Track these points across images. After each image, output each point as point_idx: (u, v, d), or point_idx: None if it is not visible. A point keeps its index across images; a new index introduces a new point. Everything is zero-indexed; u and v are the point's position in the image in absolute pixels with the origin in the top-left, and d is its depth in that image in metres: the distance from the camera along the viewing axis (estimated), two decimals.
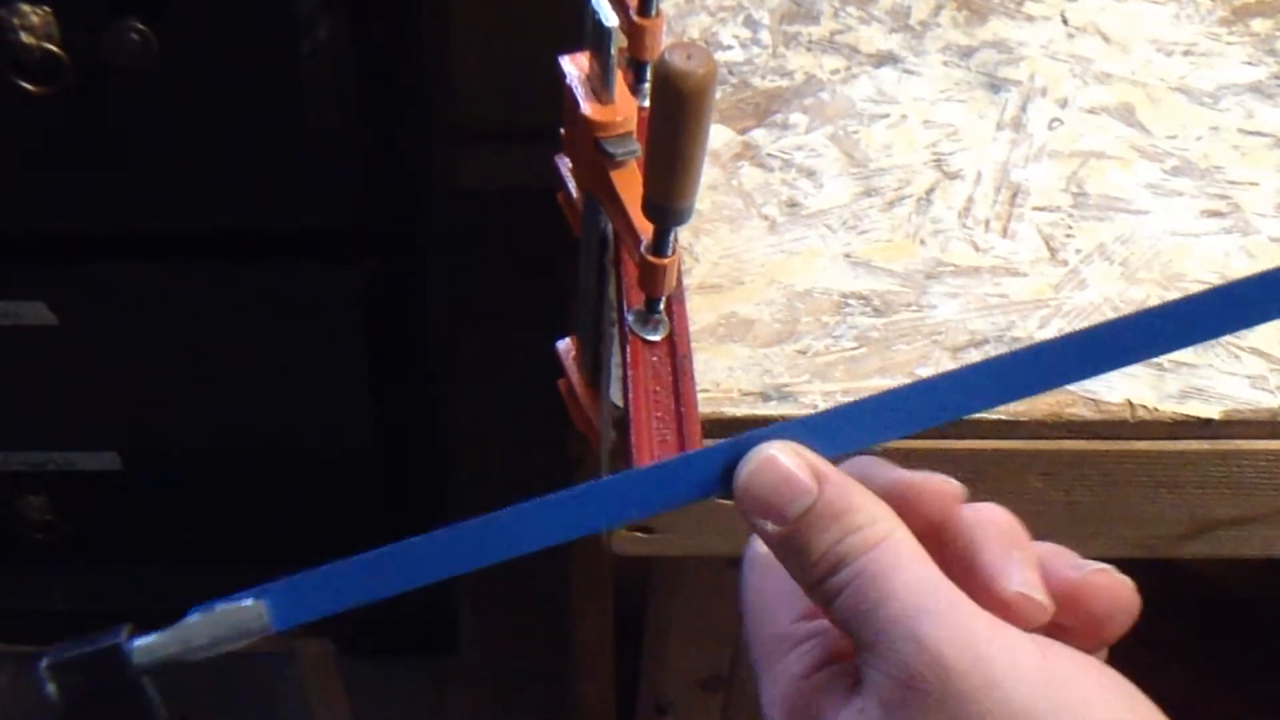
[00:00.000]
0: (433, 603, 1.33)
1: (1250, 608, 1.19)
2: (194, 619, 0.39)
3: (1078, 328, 0.63)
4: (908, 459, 0.61)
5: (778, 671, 0.43)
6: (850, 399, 0.60)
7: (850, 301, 0.63)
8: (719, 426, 0.59)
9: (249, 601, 0.39)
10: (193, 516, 1.21)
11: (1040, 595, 0.40)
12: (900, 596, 0.38)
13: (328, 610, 0.40)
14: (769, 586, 0.44)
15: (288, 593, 0.40)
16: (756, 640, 0.44)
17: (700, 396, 0.58)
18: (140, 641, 0.39)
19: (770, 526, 0.41)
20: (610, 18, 0.52)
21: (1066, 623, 0.41)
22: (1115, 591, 0.41)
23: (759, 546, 0.45)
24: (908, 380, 0.61)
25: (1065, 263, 0.65)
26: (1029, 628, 0.39)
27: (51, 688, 0.38)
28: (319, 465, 1.17)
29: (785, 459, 0.41)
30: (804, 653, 0.42)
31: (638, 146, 0.54)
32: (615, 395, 0.57)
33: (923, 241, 0.66)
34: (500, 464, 1.34)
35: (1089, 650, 0.40)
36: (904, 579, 0.39)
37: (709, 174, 0.67)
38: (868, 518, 0.41)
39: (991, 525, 0.41)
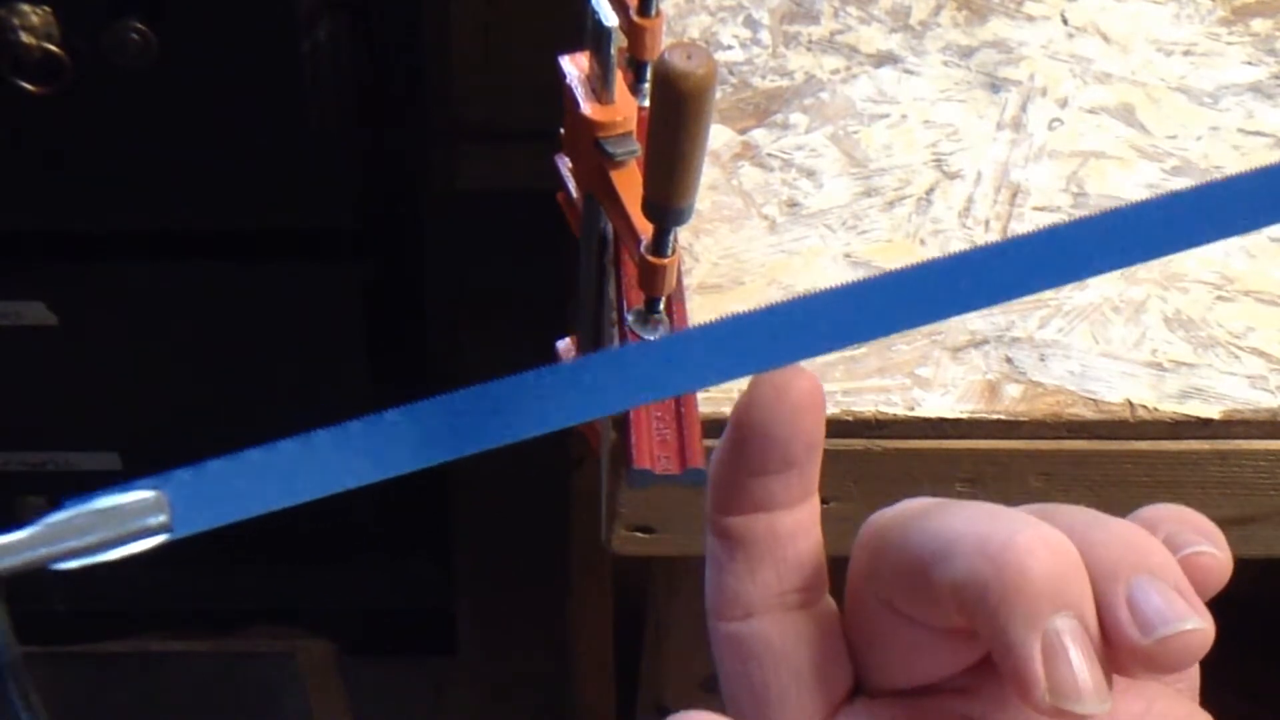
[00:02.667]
0: (433, 603, 1.33)
1: (1250, 608, 1.19)
2: (69, 512, 0.29)
3: (1078, 328, 0.63)
4: (907, 459, 0.61)
5: None
6: (851, 399, 0.60)
7: None
8: (719, 426, 0.59)
9: (146, 493, 0.29)
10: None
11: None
12: None
13: (252, 509, 0.30)
14: (783, 678, 0.35)
15: (198, 484, 0.30)
16: None
17: (700, 396, 0.58)
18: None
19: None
20: (610, 18, 0.52)
21: None
22: (1215, 569, 0.33)
23: (753, 625, 0.35)
24: (908, 380, 0.61)
25: None
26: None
27: None
28: None
29: None
30: None
31: (638, 146, 0.54)
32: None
33: (923, 241, 0.66)
34: (500, 464, 1.33)
35: None
36: None
37: (709, 174, 0.67)
38: None
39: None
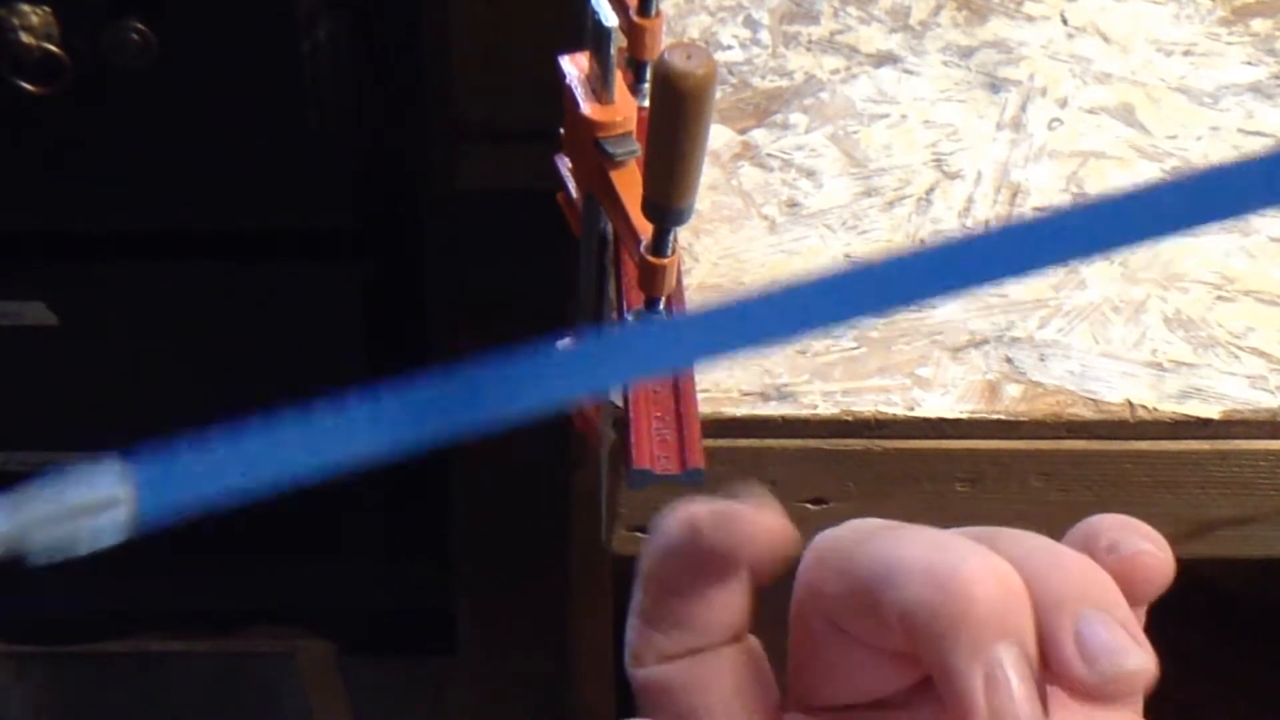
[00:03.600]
0: (433, 603, 1.33)
1: (1250, 608, 1.19)
2: (33, 506, 0.27)
3: (1078, 328, 0.63)
4: (907, 459, 0.61)
5: None
6: (850, 399, 0.60)
7: None
8: (719, 426, 0.59)
9: (111, 473, 0.27)
10: (193, 522, 1.20)
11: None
12: None
13: (216, 493, 0.28)
14: (711, 707, 0.34)
15: (167, 468, 0.28)
16: None
17: (700, 396, 0.58)
18: None
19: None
20: (610, 18, 0.52)
21: None
22: (1156, 569, 0.34)
23: (675, 665, 0.34)
24: (908, 380, 0.61)
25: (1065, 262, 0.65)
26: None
27: None
28: None
29: None
30: None
31: (638, 146, 0.54)
32: (615, 395, 0.57)
33: (923, 241, 0.66)
34: (500, 464, 1.34)
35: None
36: None
37: (709, 174, 0.67)
38: None
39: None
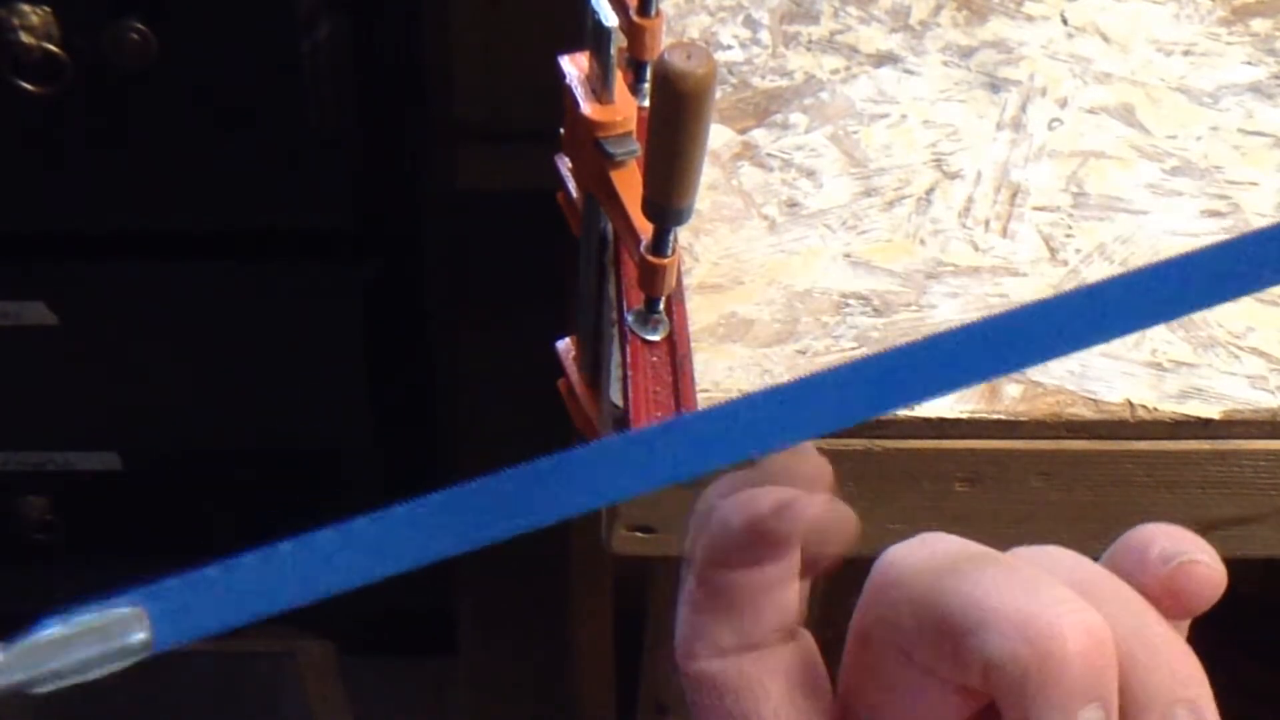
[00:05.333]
0: (433, 603, 1.33)
1: (1250, 608, 1.19)
2: (47, 634, 0.27)
3: None
4: (907, 459, 0.61)
5: None
6: None
7: (850, 301, 0.63)
8: None
9: (126, 609, 0.28)
10: (193, 516, 1.21)
11: None
12: None
13: (232, 621, 0.29)
14: (762, 710, 0.34)
15: (181, 595, 0.28)
16: None
17: (700, 396, 0.58)
18: None
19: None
20: (610, 18, 0.52)
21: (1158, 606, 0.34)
22: (1208, 580, 0.34)
23: (729, 661, 0.34)
24: None
25: (1065, 263, 0.65)
26: None
27: None
28: (319, 465, 1.17)
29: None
30: None
31: (638, 146, 0.54)
32: (615, 395, 0.57)
33: (922, 241, 0.66)
34: (500, 464, 1.33)
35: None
36: None
37: (709, 174, 0.67)
38: None
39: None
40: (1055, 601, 0.30)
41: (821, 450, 0.62)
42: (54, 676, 0.27)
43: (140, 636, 0.28)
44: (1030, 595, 0.30)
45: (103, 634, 0.28)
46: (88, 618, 0.27)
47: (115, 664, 0.28)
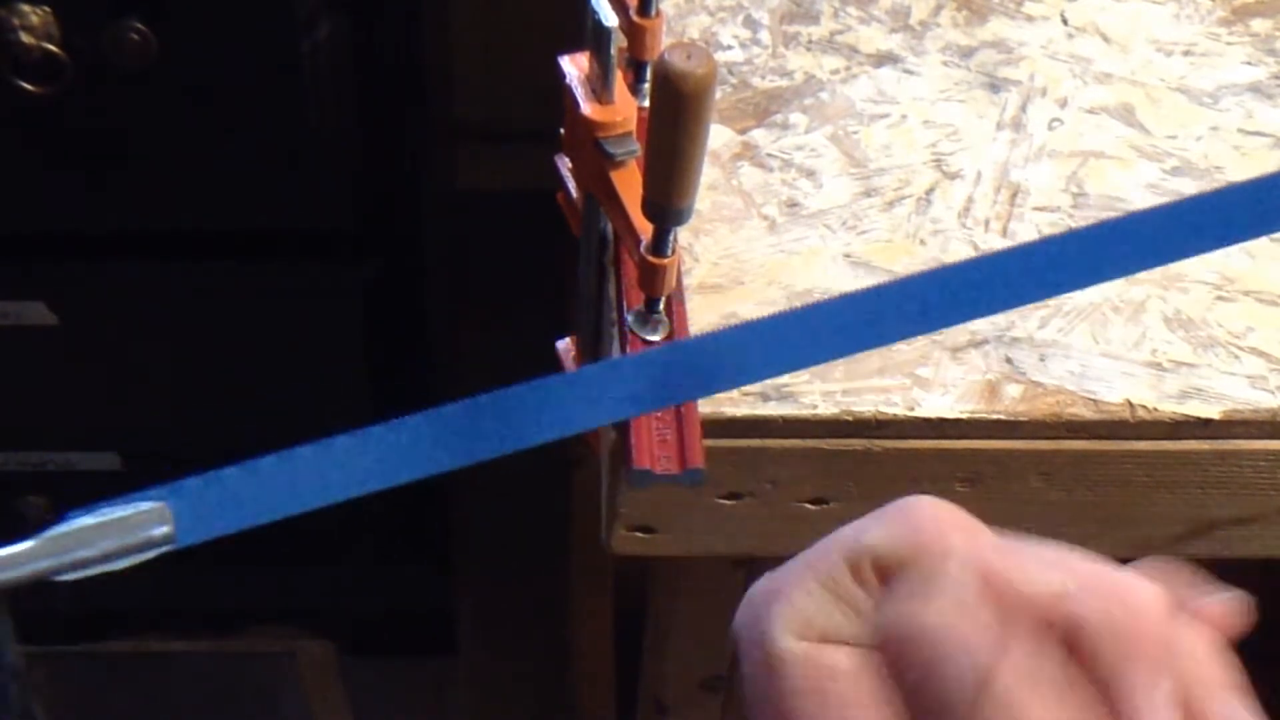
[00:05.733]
0: (433, 603, 1.33)
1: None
2: (72, 525, 0.29)
3: (1078, 328, 0.63)
4: (907, 459, 0.61)
5: None
6: (851, 399, 0.60)
7: None
8: (719, 426, 0.59)
9: (149, 505, 0.29)
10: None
11: None
12: None
13: (252, 519, 0.30)
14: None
15: (204, 493, 0.29)
16: None
17: None
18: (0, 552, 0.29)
19: None
20: (610, 18, 0.52)
21: None
22: (1232, 616, 0.36)
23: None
24: (908, 381, 0.61)
25: None
26: None
27: None
28: None
29: None
30: None
31: (638, 146, 0.54)
32: None
33: (923, 241, 0.66)
34: (500, 464, 1.33)
35: None
36: None
37: (709, 174, 0.67)
38: None
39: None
40: (1122, 571, 0.32)
41: (822, 451, 0.62)
42: (79, 565, 0.29)
43: (163, 530, 0.29)
44: (1098, 565, 0.32)
45: (127, 527, 0.29)
46: (113, 511, 0.29)
47: (138, 556, 0.29)
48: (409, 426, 0.31)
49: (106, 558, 0.29)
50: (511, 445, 0.31)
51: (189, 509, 0.29)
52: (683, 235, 0.62)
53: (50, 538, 0.29)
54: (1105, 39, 0.74)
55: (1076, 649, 0.31)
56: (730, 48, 0.73)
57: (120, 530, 0.29)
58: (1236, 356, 0.62)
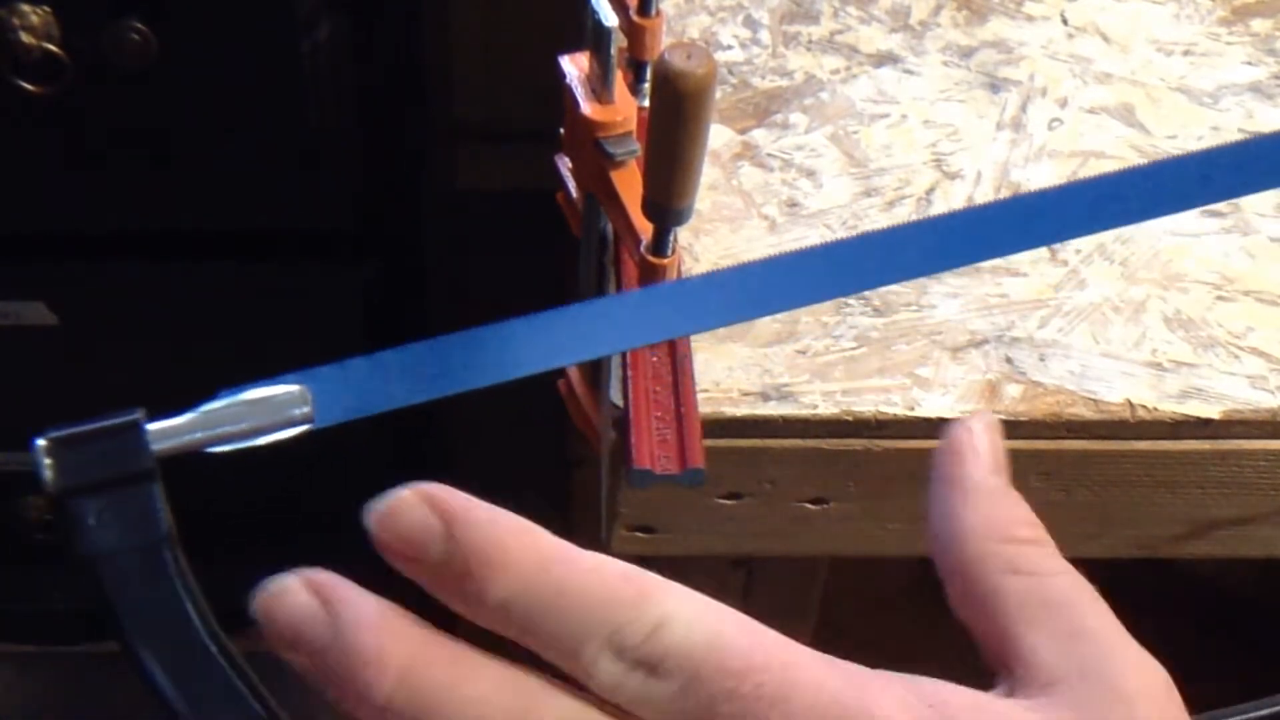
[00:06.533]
0: (433, 603, 1.33)
1: (1250, 608, 1.19)
2: (224, 401, 0.32)
3: (1078, 328, 0.63)
4: (907, 459, 0.61)
5: None
6: (851, 399, 0.60)
7: (850, 301, 0.63)
8: (719, 426, 0.59)
9: (291, 387, 0.33)
10: (192, 517, 1.21)
11: None
12: None
13: (380, 405, 0.33)
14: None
15: (336, 379, 0.33)
16: None
17: (700, 396, 0.58)
18: (159, 423, 0.32)
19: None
20: (610, 18, 0.52)
21: None
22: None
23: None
24: (908, 381, 0.61)
25: (1065, 263, 0.65)
26: None
27: (49, 467, 0.33)
28: (319, 465, 1.17)
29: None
30: None
31: (638, 146, 0.54)
32: (615, 395, 0.57)
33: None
34: (500, 464, 1.33)
35: None
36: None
37: (709, 174, 0.67)
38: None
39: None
40: None
41: (822, 451, 0.62)
42: (227, 439, 0.32)
43: (304, 409, 0.33)
44: None
45: (272, 405, 0.32)
46: (259, 390, 0.32)
47: (280, 433, 0.32)
48: (548, 318, 0.35)
49: (253, 432, 0.32)
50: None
51: (325, 392, 0.32)
52: (683, 235, 0.62)
53: (204, 412, 0.32)
54: (1105, 39, 0.74)
55: None
56: (730, 48, 0.73)
57: (266, 408, 0.32)
58: (1236, 356, 0.62)
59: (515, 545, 0.33)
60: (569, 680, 0.32)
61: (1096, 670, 0.34)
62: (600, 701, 0.32)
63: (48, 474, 0.32)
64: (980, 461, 0.38)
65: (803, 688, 0.31)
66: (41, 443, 0.33)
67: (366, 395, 0.33)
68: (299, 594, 0.35)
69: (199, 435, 0.32)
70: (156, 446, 0.32)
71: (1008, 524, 0.37)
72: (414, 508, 0.34)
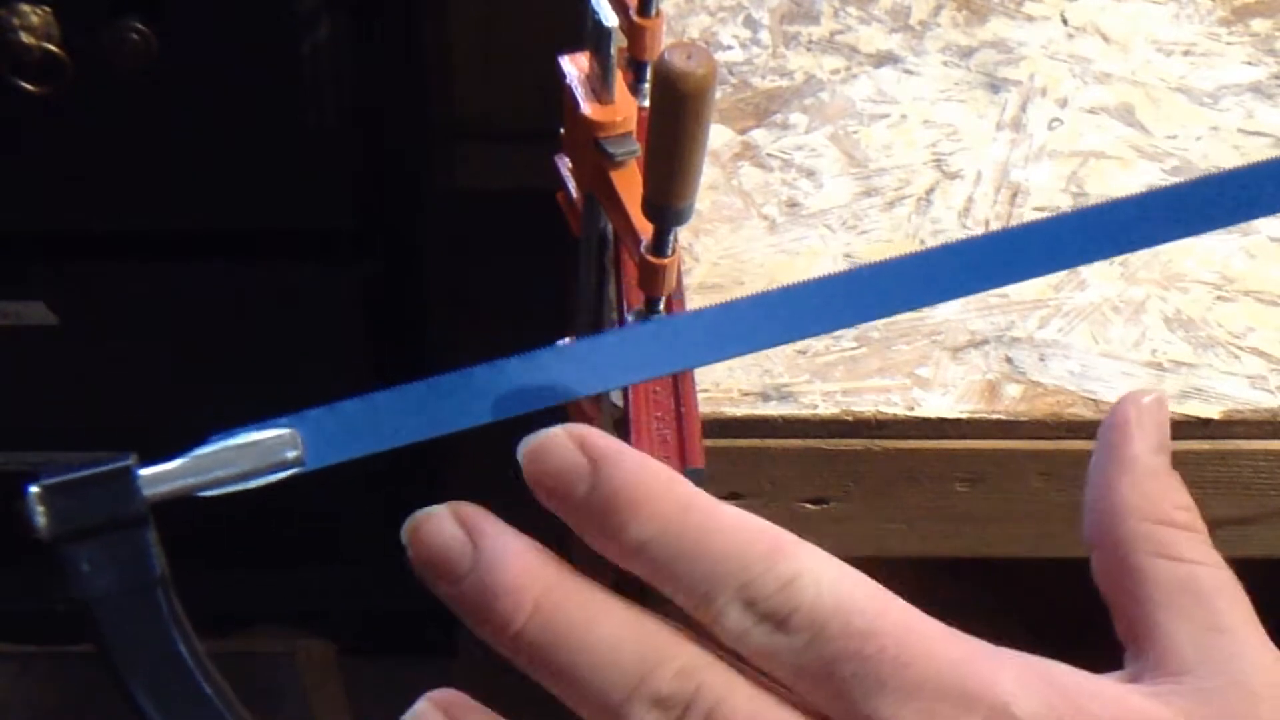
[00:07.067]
0: (433, 603, 1.33)
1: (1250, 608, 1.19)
2: (215, 446, 0.33)
3: (1078, 328, 0.63)
4: (907, 459, 0.61)
5: None
6: (851, 399, 0.60)
7: None
8: (719, 426, 0.59)
9: (282, 430, 0.33)
10: (192, 517, 1.21)
11: None
12: None
13: (371, 446, 0.34)
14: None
15: (327, 422, 0.34)
16: None
17: (700, 396, 0.58)
18: (151, 469, 0.33)
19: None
20: (610, 18, 0.52)
21: None
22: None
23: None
24: (908, 381, 0.61)
25: None
26: None
27: (41, 514, 0.33)
28: (314, 471, 1.17)
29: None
30: None
31: (638, 146, 0.54)
32: (615, 395, 0.57)
33: (923, 242, 0.66)
34: (501, 464, 1.33)
35: None
36: None
37: (709, 174, 0.67)
38: None
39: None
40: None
41: (822, 451, 0.62)
42: (218, 483, 0.33)
43: (293, 453, 0.33)
44: None
45: (263, 449, 0.33)
46: (249, 435, 0.33)
47: (270, 476, 0.33)
48: (532, 360, 0.35)
49: (245, 476, 0.33)
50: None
51: (315, 435, 0.33)
52: (683, 235, 0.62)
53: (195, 457, 0.33)
54: (1105, 39, 0.74)
55: None
56: (730, 48, 0.73)
57: (256, 452, 0.33)
58: (1236, 356, 0.62)
59: (659, 489, 0.34)
60: (694, 627, 0.33)
61: (1227, 665, 0.34)
62: (722, 650, 0.33)
63: (40, 521, 0.33)
64: (1145, 438, 0.38)
65: (924, 656, 0.32)
66: (34, 490, 0.33)
67: (358, 436, 0.34)
68: (445, 523, 0.36)
69: (190, 480, 0.33)
70: (148, 492, 0.33)
71: (1164, 506, 0.37)
72: (563, 445, 0.35)
